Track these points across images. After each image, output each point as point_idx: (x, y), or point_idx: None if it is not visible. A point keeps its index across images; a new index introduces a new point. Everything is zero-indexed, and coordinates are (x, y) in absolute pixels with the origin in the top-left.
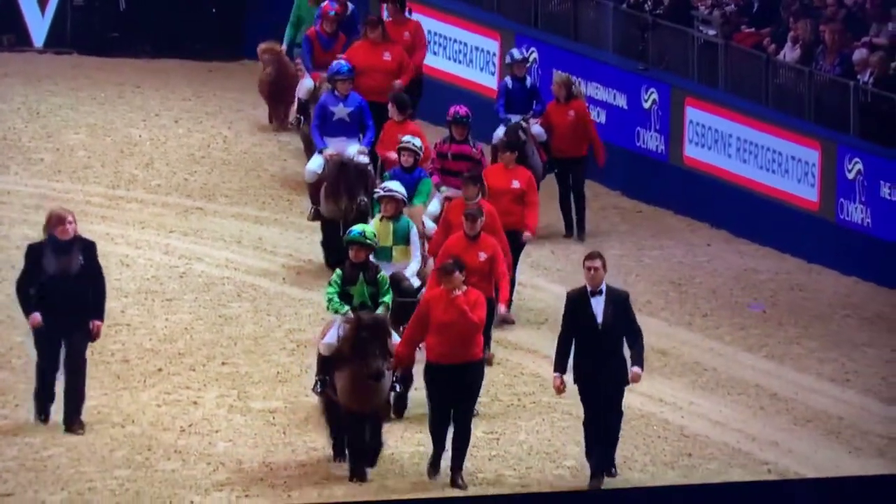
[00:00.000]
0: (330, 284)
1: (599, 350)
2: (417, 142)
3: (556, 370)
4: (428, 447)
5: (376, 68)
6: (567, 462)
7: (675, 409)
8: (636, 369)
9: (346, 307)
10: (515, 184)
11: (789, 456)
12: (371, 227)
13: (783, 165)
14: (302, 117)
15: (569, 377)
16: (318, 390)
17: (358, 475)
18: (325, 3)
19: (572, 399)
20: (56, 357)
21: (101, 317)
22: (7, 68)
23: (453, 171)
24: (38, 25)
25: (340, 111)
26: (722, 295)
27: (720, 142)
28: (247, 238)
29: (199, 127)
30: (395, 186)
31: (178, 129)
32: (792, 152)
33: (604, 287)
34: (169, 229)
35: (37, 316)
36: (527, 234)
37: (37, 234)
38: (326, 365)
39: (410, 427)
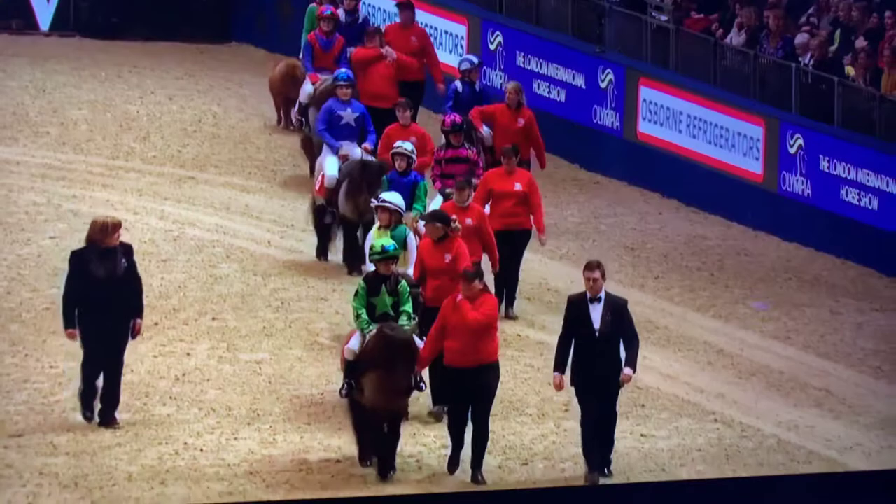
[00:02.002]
0: (355, 297)
1: (596, 355)
2: (408, 146)
3: (555, 370)
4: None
5: (377, 72)
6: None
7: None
8: (628, 371)
9: (372, 326)
10: (517, 186)
11: (734, 406)
12: (391, 241)
13: (730, 140)
14: (303, 119)
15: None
16: (345, 394)
17: (386, 472)
18: (321, 5)
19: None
20: (101, 357)
21: (141, 315)
22: (15, 49)
23: (449, 174)
24: (44, 11)
25: (348, 115)
26: (672, 259)
27: (671, 118)
28: (235, 205)
29: (191, 104)
30: (391, 198)
31: (171, 106)
32: (738, 128)
33: (602, 295)
34: (164, 197)
35: (73, 332)
36: (542, 238)
37: (43, 200)
38: (352, 369)
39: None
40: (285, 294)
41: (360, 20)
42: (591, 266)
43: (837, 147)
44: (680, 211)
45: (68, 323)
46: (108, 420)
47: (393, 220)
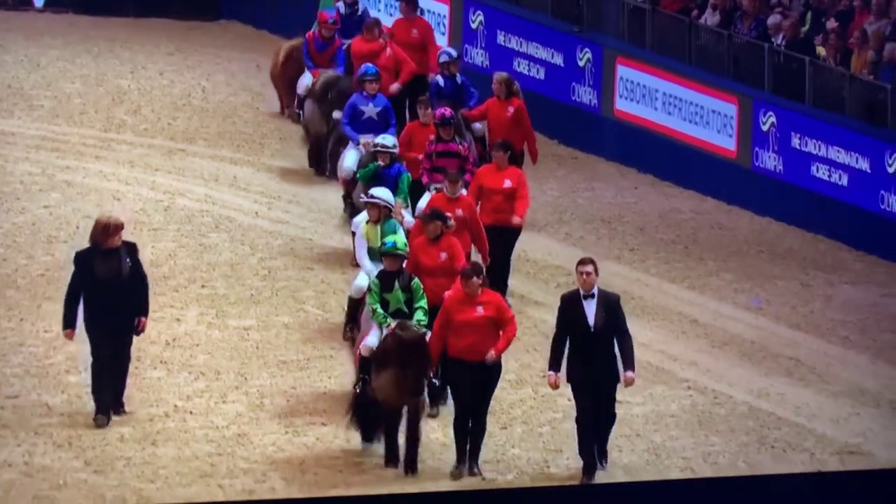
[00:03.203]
0: (370, 293)
1: (591, 352)
2: (390, 141)
3: (550, 368)
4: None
5: (377, 65)
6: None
7: None
8: (630, 374)
9: (390, 320)
10: (507, 183)
11: (707, 375)
12: (403, 238)
13: (704, 118)
14: (301, 112)
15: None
16: (359, 389)
17: (392, 461)
18: (324, 11)
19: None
20: (109, 355)
21: (146, 313)
22: (10, 25)
23: (439, 168)
24: None
25: (370, 110)
26: (648, 232)
27: (647, 96)
28: (223, 176)
29: (181, 78)
30: (380, 193)
31: (162, 81)
32: (712, 106)
33: (595, 290)
34: (154, 168)
35: (71, 332)
36: (515, 219)
37: (38, 171)
38: (367, 365)
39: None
40: (272, 263)
41: (360, 12)
42: (584, 261)
43: (808, 125)
44: (655, 186)
45: (67, 323)
46: (116, 410)
47: (382, 214)
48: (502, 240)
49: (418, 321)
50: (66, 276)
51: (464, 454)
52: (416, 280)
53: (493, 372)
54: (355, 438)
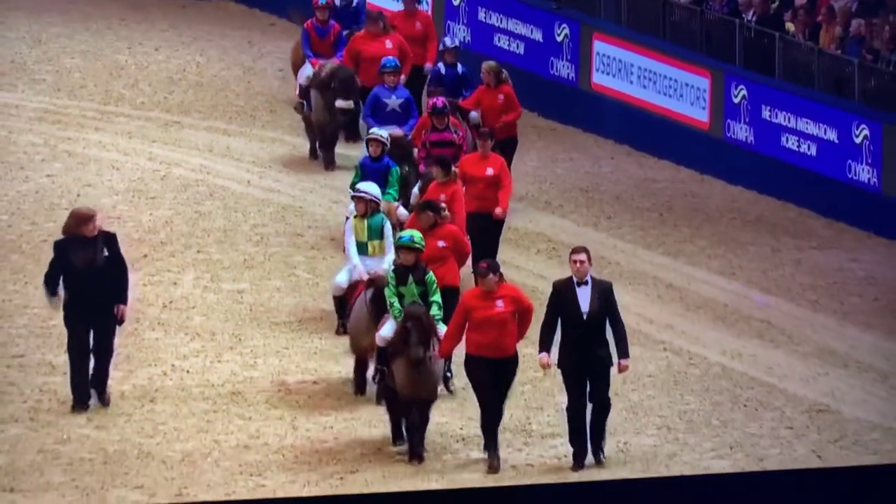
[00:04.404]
0: (387, 287)
1: (584, 339)
2: (384, 132)
3: (541, 350)
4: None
5: (378, 58)
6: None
7: None
8: (624, 361)
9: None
10: (490, 171)
11: (682, 337)
12: (419, 233)
13: (678, 91)
14: (304, 102)
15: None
16: (378, 379)
17: (416, 456)
18: None
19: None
20: (86, 343)
21: (125, 301)
22: (13, 4)
23: (447, 158)
24: None
25: (393, 102)
26: (624, 200)
27: (623, 70)
28: (217, 147)
29: (176, 54)
30: (367, 188)
31: (158, 56)
32: (686, 80)
33: (589, 278)
34: (152, 139)
35: (55, 300)
36: (498, 210)
37: (40, 141)
38: (384, 355)
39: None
40: (264, 230)
41: (355, 3)
42: (577, 250)
43: (778, 97)
44: (631, 156)
45: (51, 293)
46: (100, 399)
47: (369, 209)
48: (486, 227)
49: (433, 315)
50: None
51: (495, 447)
52: (431, 274)
53: (512, 366)
54: (347, 399)
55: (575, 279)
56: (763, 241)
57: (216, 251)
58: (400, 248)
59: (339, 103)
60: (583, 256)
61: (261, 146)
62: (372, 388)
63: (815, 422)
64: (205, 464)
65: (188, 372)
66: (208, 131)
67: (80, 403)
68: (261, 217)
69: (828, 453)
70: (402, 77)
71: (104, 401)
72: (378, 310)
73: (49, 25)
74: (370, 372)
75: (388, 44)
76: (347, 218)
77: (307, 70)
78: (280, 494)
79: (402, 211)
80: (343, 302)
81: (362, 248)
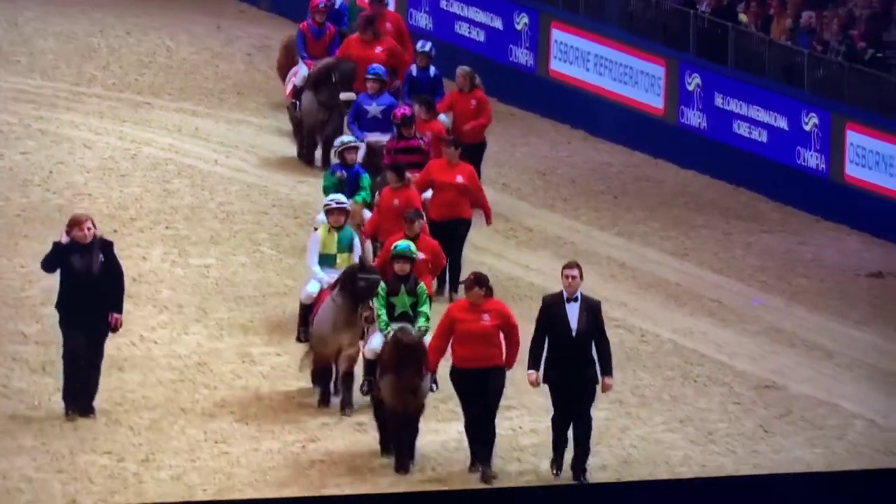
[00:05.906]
0: (376, 297)
1: (572, 356)
2: (351, 139)
3: (530, 367)
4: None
5: (366, 65)
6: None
7: (540, 274)
8: (608, 380)
9: (391, 327)
10: (459, 178)
11: (636, 314)
12: (413, 244)
13: (634, 78)
14: (297, 102)
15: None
16: (366, 390)
17: (402, 468)
18: None
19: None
20: (80, 349)
21: (119, 310)
22: None
23: (402, 164)
24: None
25: (374, 109)
26: (580, 184)
27: (580, 58)
28: (186, 128)
29: (147, 38)
30: (343, 198)
31: (129, 39)
32: (641, 67)
33: (579, 295)
34: (122, 119)
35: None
36: (489, 224)
37: (15, 120)
38: (372, 367)
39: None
40: (230, 207)
41: (338, 5)
42: (570, 265)
43: (731, 85)
44: (587, 140)
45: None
46: (84, 410)
47: (343, 221)
48: (452, 234)
49: (419, 327)
50: (41, 217)
51: (477, 456)
52: (422, 285)
53: (499, 378)
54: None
55: (565, 294)
56: (715, 224)
57: (184, 227)
58: (396, 257)
59: (344, 95)
60: (575, 272)
61: (228, 127)
62: (336, 399)
63: (763, 397)
64: (171, 431)
65: (156, 343)
66: (177, 112)
67: (72, 411)
68: (227, 195)
69: (774, 428)
70: (397, 82)
71: (90, 413)
72: (352, 299)
73: (24, 9)
74: (361, 381)
75: (378, 49)
76: (316, 229)
77: (302, 70)
78: (243, 462)
79: (366, 212)
80: (309, 310)
81: (330, 260)
